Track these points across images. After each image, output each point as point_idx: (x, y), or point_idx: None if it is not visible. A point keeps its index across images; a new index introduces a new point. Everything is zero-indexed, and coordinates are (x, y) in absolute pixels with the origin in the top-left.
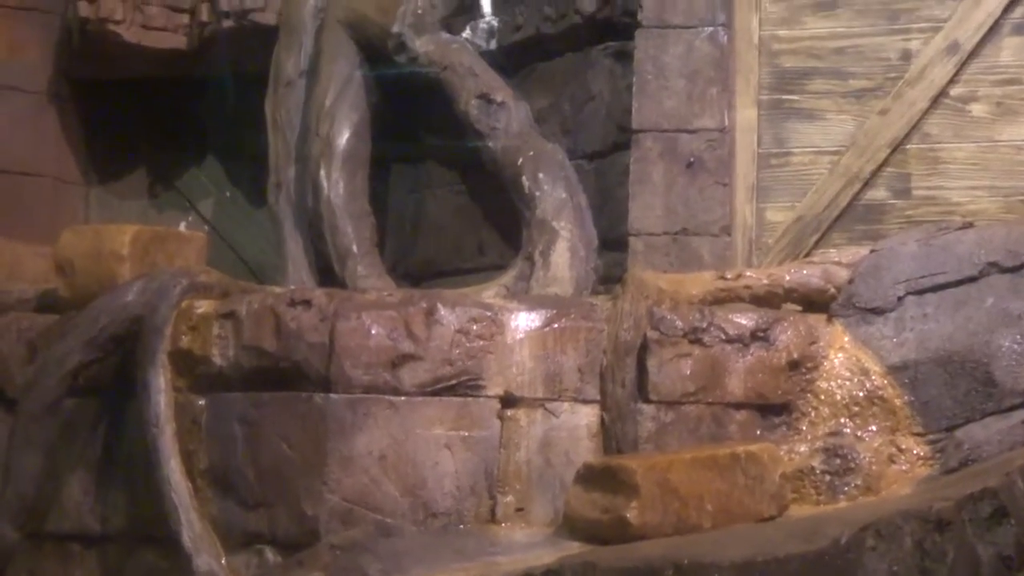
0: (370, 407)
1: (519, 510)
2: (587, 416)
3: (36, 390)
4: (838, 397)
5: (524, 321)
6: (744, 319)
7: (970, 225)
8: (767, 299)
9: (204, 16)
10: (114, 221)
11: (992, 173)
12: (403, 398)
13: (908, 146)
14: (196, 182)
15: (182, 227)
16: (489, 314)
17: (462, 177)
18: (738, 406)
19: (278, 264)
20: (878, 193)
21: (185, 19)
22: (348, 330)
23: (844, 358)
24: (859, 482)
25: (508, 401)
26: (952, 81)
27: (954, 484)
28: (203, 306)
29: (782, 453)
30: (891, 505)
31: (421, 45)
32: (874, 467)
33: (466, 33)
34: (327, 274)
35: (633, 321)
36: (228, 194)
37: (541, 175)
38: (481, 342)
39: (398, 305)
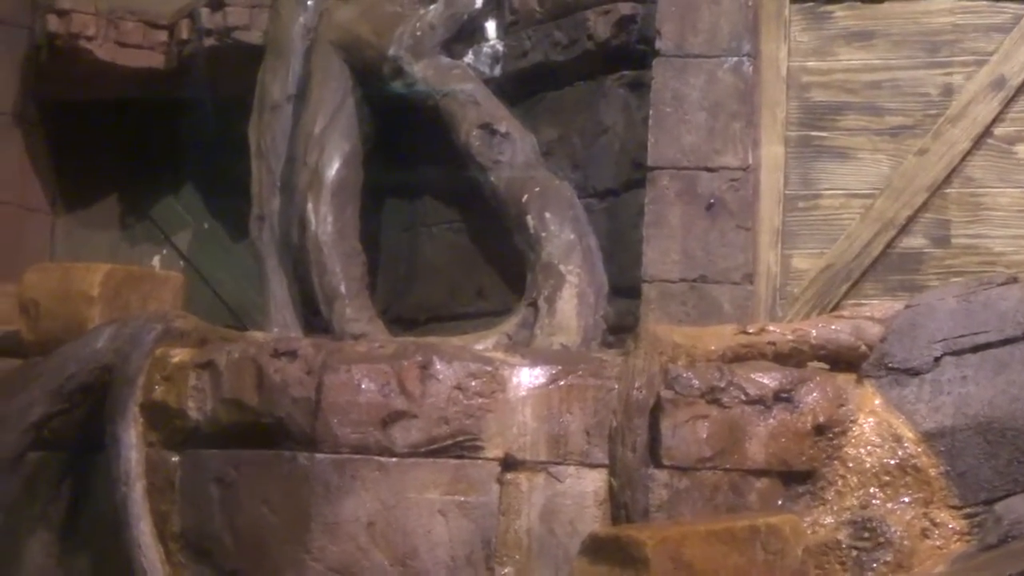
0: (358, 469)
1: None
2: (594, 482)
3: None
4: (868, 465)
5: (527, 377)
6: (767, 378)
7: (1014, 280)
8: (792, 356)
9: (184, 33)
10: (83, 253)
11: None
12: (394, 459)
13: (948, 190)
14: (172, 212)
15: (156, 261)
16: (489, 369)
17: (461, 214)
18: (759, 473)
19: (260, 304)
20: (915, 241)
21: (163, 36)
22: (336, 384)
23: (875, 423)
24: (889, 558)
25: (508, 464)
26: (997, 120)
27: (993, 563)
28: (179, 355)
29: (806, 526)
30: None
31: (419, 70)
32: (906, 542)
33: (468, 58)
34: (313, 316)
35: (646, 379)
36: (206, 226)
37: (548, 214)
38: (480, 400)
39: (391, 358)
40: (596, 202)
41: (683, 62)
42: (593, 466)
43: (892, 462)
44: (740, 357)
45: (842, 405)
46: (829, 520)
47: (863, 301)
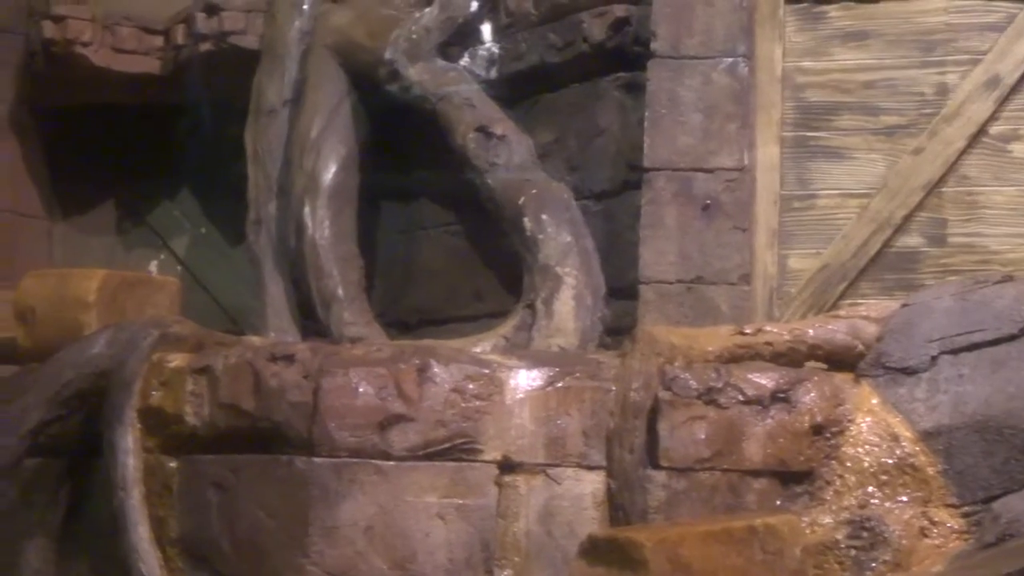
0: (356, 473)
1: None
2: (592, 483)
3: None
4: (866, 465)
5: (525, 380)
6: (764, 379)
7: (1010, 278)
8: (789, 356)
9: (180, 39)
10: (79, 259)
11: None
12: (392, 463)
13: (944, 189)
14: (169, 217)
15: (153, 266)
16: (486, 372)
17: (458, 216)
18: (756, 474)
19: (257, 308)
20: (911, 240)
21: (159, 42)
22: (334, 388)
23: (872, 422)
24: (888, 557)
25: (506, 467)
26: (992, 118)
27: (991, 562)
28: (176, 360)
29: (804, 525)
30: None
31: (415, 73)
32: (904, 541)
33: (464, 61)
34: (310, 320)
35: (643, 380)
36: (203, 231)
37: (544, 216)
38: (478, 402)
39: (388, 361)
40: (592, 204)
41: (678, 63)
42: (591, 468)
43: (890, 461)
44: (737, 358)
45: (839, 405)
46: (827, 520)
47: (860, 301)
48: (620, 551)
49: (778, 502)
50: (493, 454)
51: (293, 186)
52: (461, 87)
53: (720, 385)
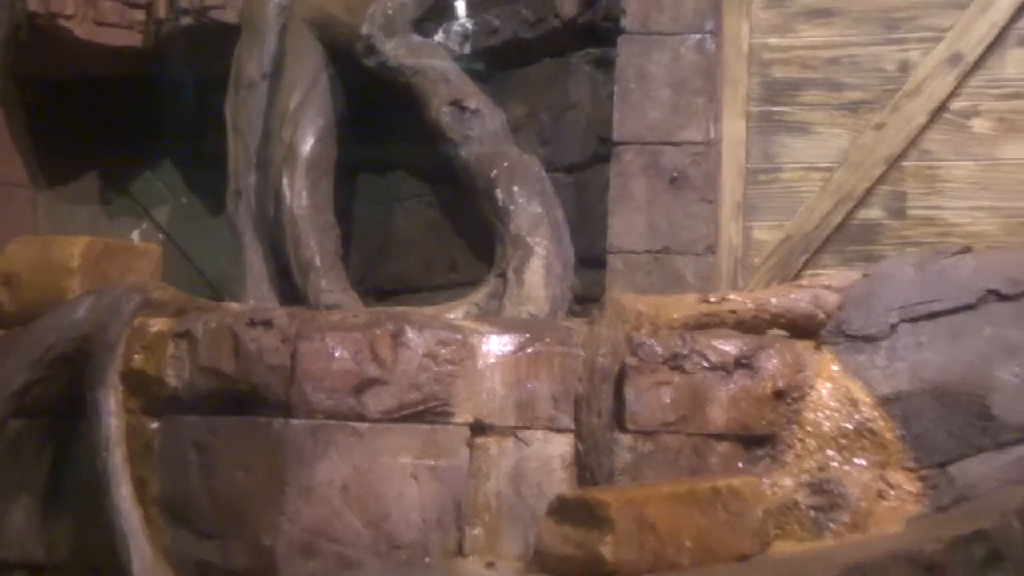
0: (332, 434)
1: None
2: (560, 446)
3: None
4: (825, 429)
5: (496, 345)
6: (728, 345)
7: (969, 249)
8: (752, 324)
9: (161, 12)
10: (63, 228)
11: (993, 193)
12: (367, 425)
13: (905, 163)
14: (151, 188)
15: (135, 235)
16: (459, 337)
17: (432, 188)
18: (720, 437)
19: (236, 276)
20: (872, 212)
21: (141, 15)
22: (311, 352)
23: (832, 388)
24: (846, 519)
25: (478, 429)
26: (953, 95)
27: (946, 524)
28: (157, 324)
29: (765, 487)
30: (879, 545)
31: (391, 48)
32: (862, 503)
33: (439, 36)
34: (288, 287)
35: (611, 346)
36: (185, 201)
37: (516, 188)
38: (450, 367)
39: (364, 327)
40: (563, 176)
41: (647, 39)
42: (560, 431)
43: (849, 426)
44: (702, 325)
45: (800, 371)
46: (788, 482)
47: (821, 271)
48: (587, 511)
49: (740, 465)
50: (465, 417)
51: (272, 158)
52: (436, 61)
53: (685, 351)
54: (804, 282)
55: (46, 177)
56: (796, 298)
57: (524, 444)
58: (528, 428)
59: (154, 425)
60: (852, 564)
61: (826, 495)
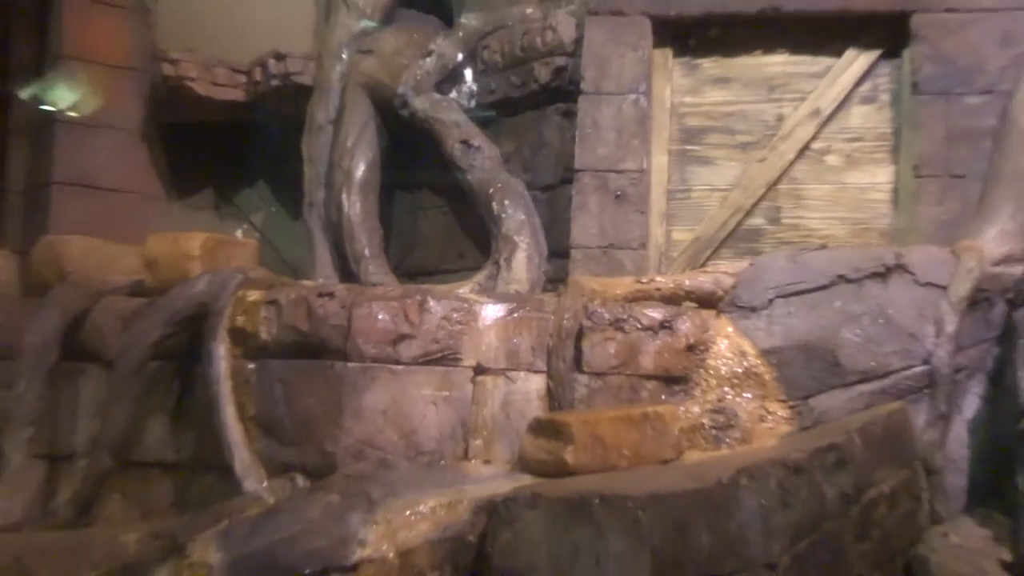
0: (376, 373)
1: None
2: (537, 383)
3: (127, 355)
4: (723, 372)
5: (492, 311)
6: (655, 313)
7: (824, 247)
8: (672, 298)
9: (258, 77)
10: (187, 227)
11: (842, 208)
12: (401, 367)
13: (780, 186)
14: (250, 200)
15: (239, 233)
16: (466, 305)
17: (448, 202)
18: (649, 377)
19: (310, 262)
20: (756, 221)
21: (243, 79)
22: (361, 315)
23: (728, 343)
24: (737, 435)
25: (479, 370)
26: (814, 138)
27: (808, 439)
28: (254, 295)
29: (680, 413)
30: (760, 454)
31: (419, 103)
32: (749, 424)
33: (453, 94)
34: (346, 272)
35: (572, 313)
36: (274, 210)
37: (506, 201)
38: (460, 326)
39: (399, 297)
40: (540, 194)
41: (599, 98)
42: (536, 372)
43: (739, 370)
44: (637, 299)
45: (706, 331)
46: (696, 409)
47: (721, 261)
48: (555, 428)
49: (663, 397)
50: (470, 362)
51: (335, 180)
52: (450, 113)
53: (625, 317)
54: (708, 269)
55: (177, 192)
56: (702, 280)
57: (511, 381)
58: (514, 370)
59: (251, 366)
60: (742, 467)
61: (723, 418)
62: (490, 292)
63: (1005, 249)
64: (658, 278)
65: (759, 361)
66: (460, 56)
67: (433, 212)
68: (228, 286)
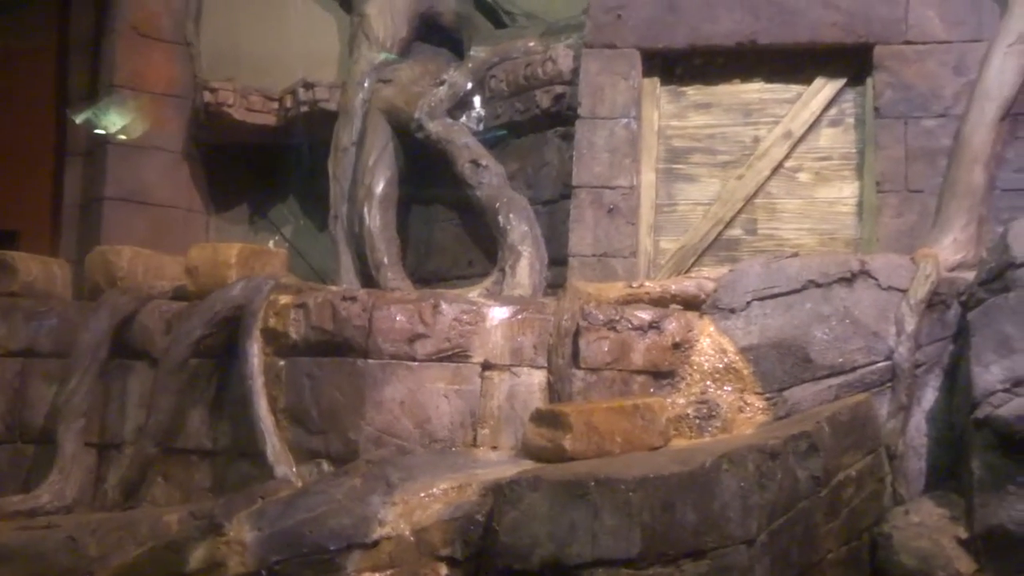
0: (394, 369)
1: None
2: (539, 377)
3: (171, 353)
4: (706, 367)
5: (498, 313)
6: (644, 314)
7: (796, 255)
8: (660, 301)
9: (289, 104)
10: (225, 238)
11: (812, 220)
12: (416, 363)
13: (756, 201)
14: (281, 214)
15: (271, 244)
16: (475, 308)
17: (459, 215)
18: (639, 372)
19: (334, 269)
20: (735, 232)
21: (275, 105)
22: (381, 317)
23: (710, 341)
24: (718, 425)
25: (487, 366)
26: (787, 158)
27: (782, 428)
28: (284, 299)
29: (668, 404)
30: (740, 441)
31: (433, 127)
32: (729, 415)
33: (463, 119)
34: (367, 278)
35: (570, 314)
36: (303, 222)
37: (511, 215)
38: (470, 326)
39: (415, 301)
40: (541, 208)
41: (594, 122)
42: (538, 368)
43: (720, 365)
44: (628, 301)
45: (690, 331)
46: (682, 401)
47: (703, 268)
48: (555, 418)
49: (652, 390)
50: (479, 358)
51: (357, 195)
52: (461, 136)
53: (617, 318)
54: (692, 275)
55: (215, 206)
56: (687, 285)
57: (515, 376)
58: (518, 366)
59: (282, 363)
60: (723, 452)
61: (706, 409)
62: (497, 296)
63: (959, 256)
64: (647, 283)
65: (738, 358)
66: (470, 85)
67: (446, 224)
68: (261, 291)
